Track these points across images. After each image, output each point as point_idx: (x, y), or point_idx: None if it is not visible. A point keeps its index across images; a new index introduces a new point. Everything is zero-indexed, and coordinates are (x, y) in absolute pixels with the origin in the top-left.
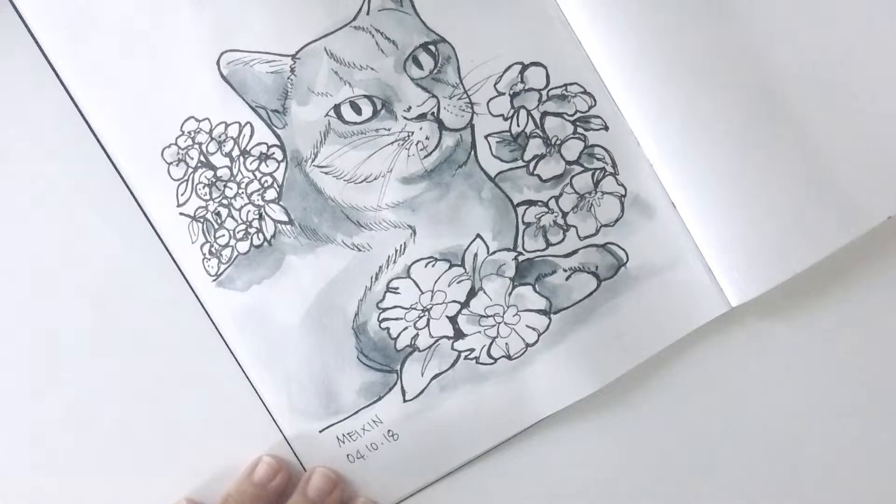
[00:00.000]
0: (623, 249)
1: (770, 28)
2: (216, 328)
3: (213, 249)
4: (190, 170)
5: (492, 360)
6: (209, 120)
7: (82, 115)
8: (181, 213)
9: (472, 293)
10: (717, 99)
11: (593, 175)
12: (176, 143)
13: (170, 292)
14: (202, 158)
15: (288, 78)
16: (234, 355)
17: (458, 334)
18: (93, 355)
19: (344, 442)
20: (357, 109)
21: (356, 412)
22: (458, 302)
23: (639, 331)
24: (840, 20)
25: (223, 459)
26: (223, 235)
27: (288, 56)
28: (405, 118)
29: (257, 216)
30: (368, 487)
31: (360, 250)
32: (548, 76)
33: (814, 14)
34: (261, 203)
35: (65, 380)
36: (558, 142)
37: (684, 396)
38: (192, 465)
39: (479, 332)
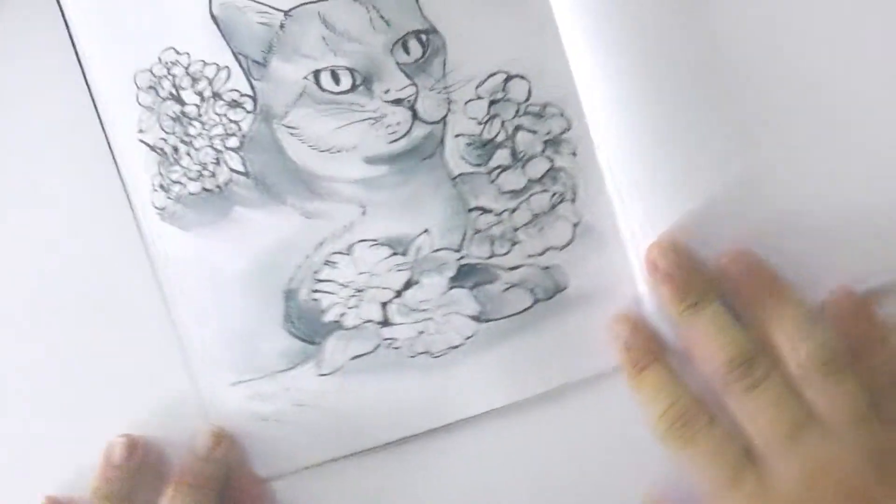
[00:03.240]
0: (565, 275)
1: (764, 77)
2: (150, 260)
3: (163, 183)
4: (158, 99)
5: (413, 354)
6: (189, 55)
7: (66, 24)
8: (140, 140)
9: (408, 284)
10: (695, 156)
11: (552, 197)
12: (151, 71)
13: (112, 216)
14: (173, 91)
15: (276, 32)
16: (162, 291)
17: (386, 321)
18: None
19: (252, 400)
20: (336, 79)
21: (270, 374)
22: (393, 290)
23: (563, 356)
24: (841, 52)
25: (134, 398)
26: (176, 172)
27: (281, 11)
28: (382, 99)
29: (214, 161)
30: (266, 450)
31: (308, 217)
32: (530, 91)
33: (811, 63)
34: (221, 149)
35: None
36: (525, 157)
37: (615, 402)
38: (103, 400)
39: (408, 323)
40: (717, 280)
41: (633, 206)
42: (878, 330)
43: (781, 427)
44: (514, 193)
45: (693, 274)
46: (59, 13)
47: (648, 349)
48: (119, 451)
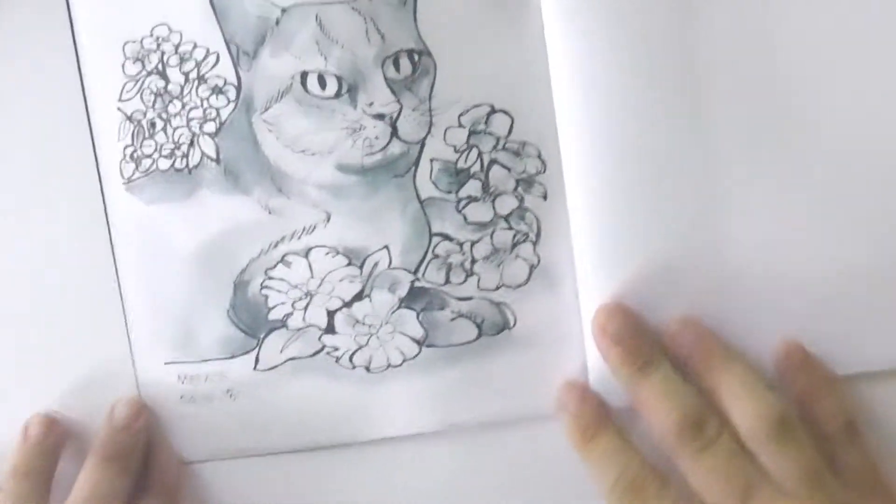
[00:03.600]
0: (514, 314)
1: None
2: (108, 228)
3: (134, 155)
4: (144, 72)
5: (351, 366)
6: (181, 34)
7: None
8: (119, 109)
9: (358, 297)
10: (659, 222)
11: (514, 236)
12: (141, 42)
13: (78, 179)
14: (159, 67)
15: (271, 27)
16: (115, 259)
17: (330, 329)
18: None
19: (183, 382)
20: (322, 84)
21: (206, 360)
22: (342, 300)
23: (499, 394)
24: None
25: (68, 365)
26: (150, 146)
27: (279, 7)
28: (364, 111)
29: (189, 142)
30: (191, 433)
31: (271, 213)
32: (511, 128)
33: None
34: (197, 131)
35: None
36: (496, 192)
37: (545, 446)
38: (35, 366)
39: (351, 335)
40: (665, 343)
41: (592, 259)
42: (826, 379)
43: (733, 488)
44: (479, 226)
45: (641, 337)
46: None
47: (597, 417)
48: (36, 429)
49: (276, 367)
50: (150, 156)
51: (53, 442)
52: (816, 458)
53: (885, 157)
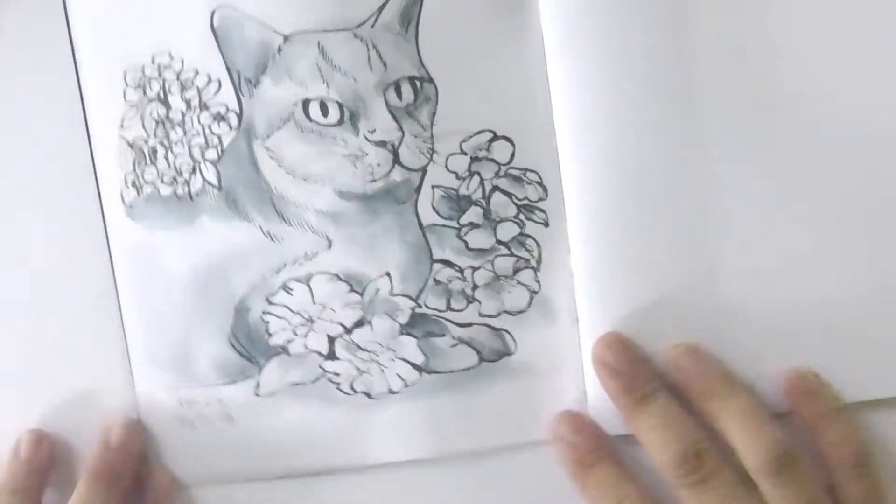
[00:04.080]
0: (514, 341)
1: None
2: (109, 254)
3: (136, 182)
4: (145, 99)
5: (351, 392)
6: (182, 61)
7: (65, 7)
8: (121, 136)
9: (359, 323)
10: (658, 250)
11: (516, 262)
12: (142, 69)
13: (79, 204)
14: (161, 94)
15: (273, 54)
16: (115, 285)
17: (331, 355)
18: None
19: (182, 406)
20: (324, 111)
21: (205, 385)
22: (343, 326)
23: (496, 420)
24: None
25: (68, 388)
26: (151, 173)
27: (281, 35)
28: (366, 138)
29: (190, 169)
30: (185, 455)
31: (272, 240)
32: (513, 154)
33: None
34: (199, 158)
35: None
36: (497, 219)
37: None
38: (36, 387)
39: (351, 361)
40: (664, 371)
41: (593, 286)
42: (834, 408)
43: None
44: (480, 252)
45: (640, 368)
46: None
47: (594, 447)
48: (26, 446)
49: (276, 392)
50: (151, 182)
51: (43, 460)
52: (819, 492)
53: (890, 182)
